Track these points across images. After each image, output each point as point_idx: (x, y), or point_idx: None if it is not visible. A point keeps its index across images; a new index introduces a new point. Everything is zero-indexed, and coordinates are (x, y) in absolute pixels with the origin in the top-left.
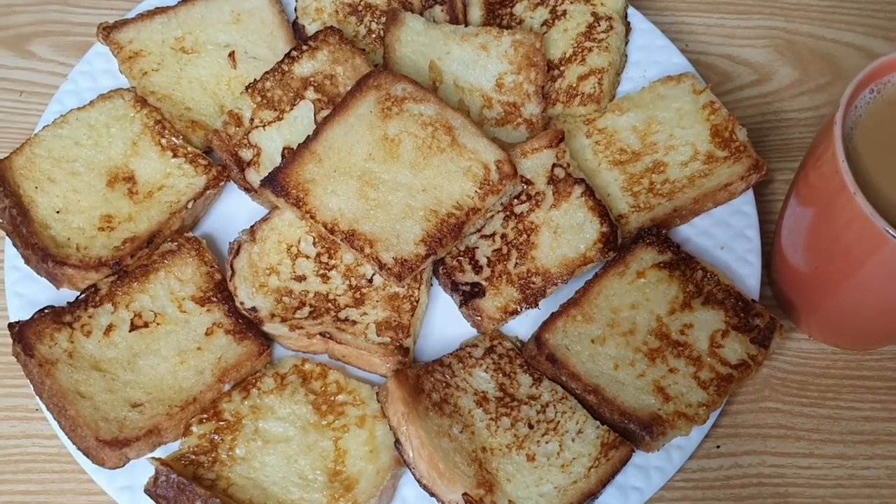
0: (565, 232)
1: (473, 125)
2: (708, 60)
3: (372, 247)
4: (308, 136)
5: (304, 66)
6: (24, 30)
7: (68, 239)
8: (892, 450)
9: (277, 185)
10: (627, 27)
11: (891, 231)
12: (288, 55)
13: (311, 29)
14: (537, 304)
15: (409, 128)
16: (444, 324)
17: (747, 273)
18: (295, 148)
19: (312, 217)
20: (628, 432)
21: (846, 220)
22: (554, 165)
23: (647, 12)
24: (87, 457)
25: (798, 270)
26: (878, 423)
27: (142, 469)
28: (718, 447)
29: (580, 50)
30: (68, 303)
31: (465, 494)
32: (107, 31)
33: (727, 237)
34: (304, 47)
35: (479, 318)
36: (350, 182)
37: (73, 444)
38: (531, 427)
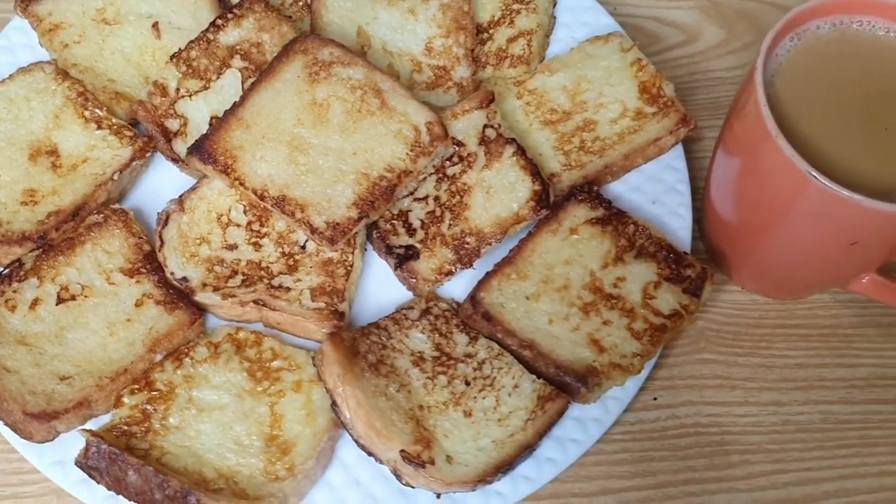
0: (498, 192)
1: (403, 88)
2: (636, 22)
3: (303, 211)
4: (234, 102)
5: (230, 35)
6: None
7: None
8: (825, 395)
9: (204, 152)
10: None
11: (812, 172)
12: (213, 24)
13: None
14: (472, 265)
15: (338, 92)
16: (379, 289)
17: (679, 226)
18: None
19: (242, 184)
20: (564, 385)
21: (770, 166)
22: (485, 126)
23: None
24: (15, 431)
25: (727, 222)
26: (811, 369)
27: (74, 444)
28: (655, 399)
29: (509, 12)
30: None
31: (402, 451)
32: (24, 4)
33: (658, 192)
34: (230, 15)
35: (414, 280)
36: (279, 148)
37: (0, 419)
38: (468, 384)
